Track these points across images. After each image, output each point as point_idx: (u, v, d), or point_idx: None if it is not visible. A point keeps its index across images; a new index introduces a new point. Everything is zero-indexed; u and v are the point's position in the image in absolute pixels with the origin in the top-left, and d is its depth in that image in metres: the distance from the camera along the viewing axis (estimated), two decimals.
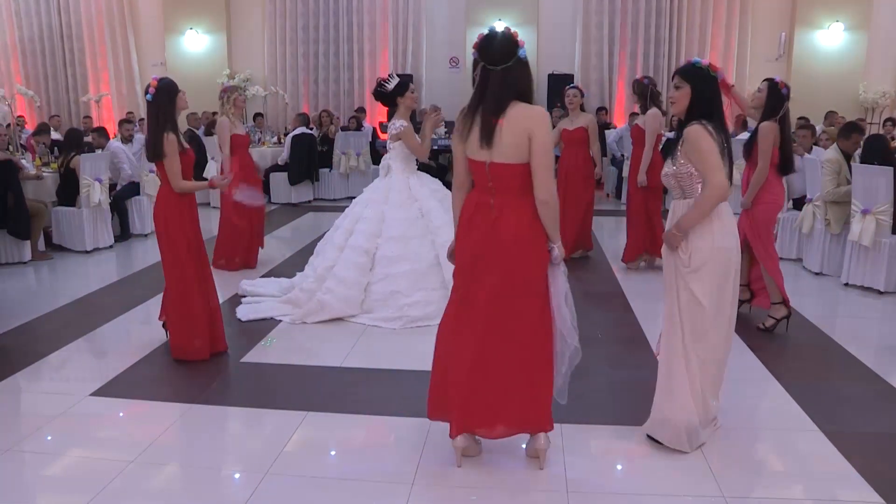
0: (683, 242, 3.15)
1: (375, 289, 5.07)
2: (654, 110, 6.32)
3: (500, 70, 2.83)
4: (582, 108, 6.90)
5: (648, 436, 3.32)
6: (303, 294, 5.20)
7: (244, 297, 5.57)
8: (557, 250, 2.95)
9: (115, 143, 8.09)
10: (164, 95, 4.16)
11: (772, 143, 4.71)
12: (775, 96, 4.73)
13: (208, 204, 9.38)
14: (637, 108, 6.66)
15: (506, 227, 2.90)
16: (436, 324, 4.82)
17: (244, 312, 5.23)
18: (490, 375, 2.98)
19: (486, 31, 2.93)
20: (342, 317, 5.06)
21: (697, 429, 3.22)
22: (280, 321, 5.10)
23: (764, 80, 4.88)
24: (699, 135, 3.07)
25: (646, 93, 6.38)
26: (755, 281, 5.05)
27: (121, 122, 9.45)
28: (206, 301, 4.41)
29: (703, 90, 3.17)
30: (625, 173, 9.08)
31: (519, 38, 2.89)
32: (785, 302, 4.86)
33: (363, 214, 5.26)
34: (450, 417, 3.08)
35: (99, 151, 8.01)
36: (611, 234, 8.05)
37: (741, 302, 4.91)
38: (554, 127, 6.63)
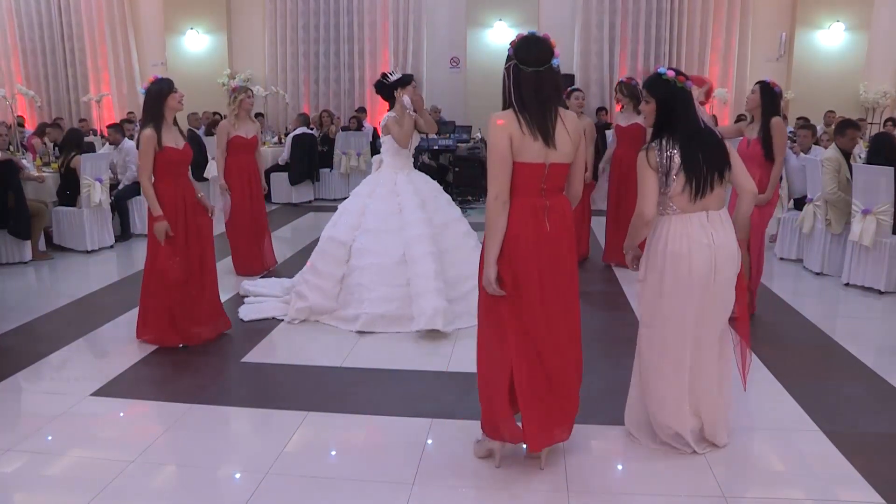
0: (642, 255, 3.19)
1: (349, 281, 5.05)
2: None
3: (545, 71, 2.83)
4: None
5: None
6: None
7: (246, 297, 5.58)
8: None
9: (129, 142, 8.11)
10: (154, 93, 4.37)
11: (786, 137, 4.81)
12: (769, 94, 4.87)
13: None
14: (629, 109, 6.56)
15: (564, 222, 2.95)
16: (395, 332, 4.83)
17: (246, 312, 5.23)
18: (558, 374, 3.03)
19: (525, 33, 2.91)
20: (317, 309, 5.03)
21: (687, 435, 3.20)
22: (281, 321, 5.10)
23: (756, 83, 5.00)
24: (638, 163, 3.05)
25: (636, 93, 6.36)
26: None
27: (122, 122, 9.45)
28: (173, 296, 4.49)
29: (667, 100, 3.01)
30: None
31: (556, 49, 2.88)
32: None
33: (346, 207, 5.31)
34: (531, 430, 3.01)
35: (111, 147, 8.04)
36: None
37: None
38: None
